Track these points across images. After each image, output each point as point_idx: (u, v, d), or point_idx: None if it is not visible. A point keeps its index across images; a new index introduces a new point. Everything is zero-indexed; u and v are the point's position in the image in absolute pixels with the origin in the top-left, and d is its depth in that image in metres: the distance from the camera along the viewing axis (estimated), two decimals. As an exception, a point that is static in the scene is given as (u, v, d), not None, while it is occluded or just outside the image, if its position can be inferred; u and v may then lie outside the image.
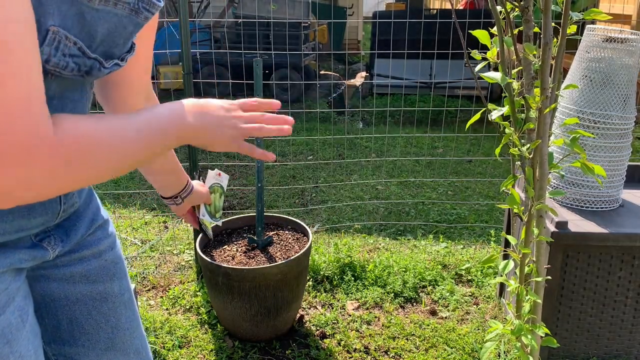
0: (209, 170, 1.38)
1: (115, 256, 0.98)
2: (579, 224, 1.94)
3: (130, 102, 1.00)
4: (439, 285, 2.63)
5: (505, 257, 2.39)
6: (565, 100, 2.04)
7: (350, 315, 2.42)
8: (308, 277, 2.64)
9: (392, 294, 2.56)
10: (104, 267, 0.95)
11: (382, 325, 2.35)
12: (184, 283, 2.67)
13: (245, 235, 2.39)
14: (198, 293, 2.55)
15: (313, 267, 2.68)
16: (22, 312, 0.78)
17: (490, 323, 1.15)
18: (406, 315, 2.43)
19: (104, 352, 0.96)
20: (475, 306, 2.49)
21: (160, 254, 2.98)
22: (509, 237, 1.10)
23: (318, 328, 2.32)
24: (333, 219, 3.50)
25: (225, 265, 2.06)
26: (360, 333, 2.30)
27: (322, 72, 8.97)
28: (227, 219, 2.45)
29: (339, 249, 2.82)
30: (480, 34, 0.96)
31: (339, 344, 2.23)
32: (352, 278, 2.65)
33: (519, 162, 1.12)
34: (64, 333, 0.93)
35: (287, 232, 2.41)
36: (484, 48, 1.07)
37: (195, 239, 2.34)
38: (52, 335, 0.93)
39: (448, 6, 11.58)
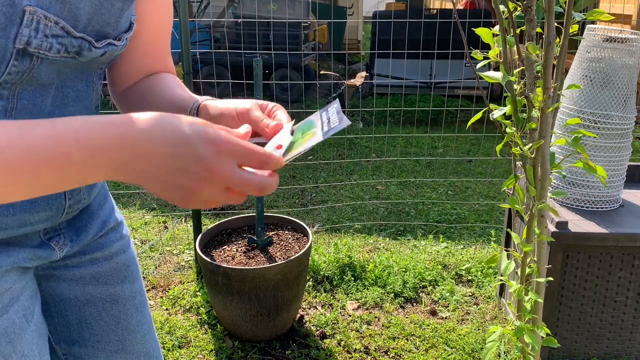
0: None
1: (127, 259, 0.96)
2: (579, 224, 1.94)
3: (126, 80, 0.88)
4: (439, 286, 2.63)
5: (507, 256, 2.39)
6: (565, 100, 2.04)
7: (350, 316, 2.42)
8: (308, 277, 2.63)
9: (392, 294, 2.56)
10: (115, 269, 0.93)
11: (382, 326, 2.35)
12: (183, 283, 2.67)
13: (245, 235, 2.38)
14: (198, 293, 2.54)
15: (313, 267, 2.67)
16: (26, 311, 0.77)
17: (491, 324, 1.15)
18: (406, 316, 2.43)
19: (113, 354, 0.95)
20: (475, 306, 2.49)
21: (160, 254, 2.97)
22: (512, 233, 1.10)
23: (318, 328, 2.32)
24: (333, 219, 3.50)
25: (225, 265, 2.06)
26: (360, 333, 2.30)
27: (322, 72, 8.96)
28: (227, 219, 2.45)
29: (338, 249, 2.81)
30: (483, 32, 0.95)
31: (339, 344, 2.23)
32: (352, 278, 2.65)
33: (519, 162, 1.12)
34: (73, 333, 0.92)
35: (287, 232, 2.41)
36: (485, 48, 1.07)
37: (195, 239, 2.34)
38: (61, 334, 0.92)
39: (448, 6, 11.58)
